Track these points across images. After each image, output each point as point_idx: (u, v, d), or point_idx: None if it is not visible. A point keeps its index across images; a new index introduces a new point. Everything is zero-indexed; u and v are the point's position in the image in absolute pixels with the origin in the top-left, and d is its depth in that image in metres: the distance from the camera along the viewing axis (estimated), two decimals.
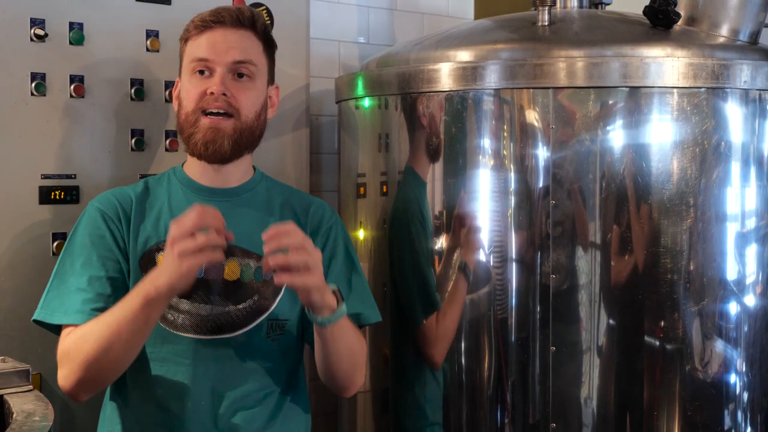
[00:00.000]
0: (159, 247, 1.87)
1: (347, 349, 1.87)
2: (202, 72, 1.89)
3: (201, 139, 1.87)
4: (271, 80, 2.00)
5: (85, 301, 1.79)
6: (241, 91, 1.89)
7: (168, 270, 1.65)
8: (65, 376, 1.76)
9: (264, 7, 2.49)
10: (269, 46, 1.97)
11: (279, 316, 1.91)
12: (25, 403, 1.61)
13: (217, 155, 1.89)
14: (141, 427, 1.88)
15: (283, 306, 1.92)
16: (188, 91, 1.89)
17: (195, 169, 1.95)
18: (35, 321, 1.84)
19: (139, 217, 1.89)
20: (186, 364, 1.86)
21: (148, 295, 1.67)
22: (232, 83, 1.88)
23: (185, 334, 1.85)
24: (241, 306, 1.88)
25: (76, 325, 1.78)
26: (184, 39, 1.94)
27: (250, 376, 1.89)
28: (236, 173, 1.96)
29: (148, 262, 1.86)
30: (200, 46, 1.89)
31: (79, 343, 1.74)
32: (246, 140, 1.91)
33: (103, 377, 1.79)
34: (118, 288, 1.84)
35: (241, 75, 1.90)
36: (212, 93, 1.86)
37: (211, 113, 1.87)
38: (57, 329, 1.83)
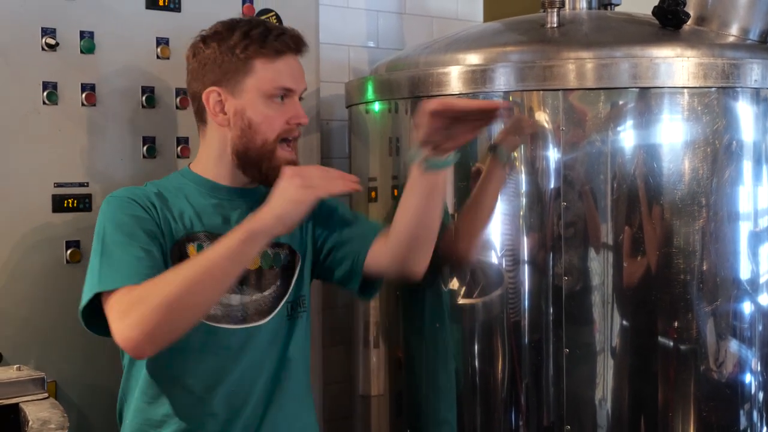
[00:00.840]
0: (189, 238, 1.87)
1: (437, 212, 1.90)
2: (281, 99, 1.89)
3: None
4: None
5: (149, 267, 1.73)
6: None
7: (282, 201, 1.68)
8: (132, 324, 1.64)
9: (273, 13, 2.49)
10: None
11: (299, 293, 1.98)
12: (40, 411, 1.63)
13: None
14: (172, 420, 1.87)
15: (298, 285, 1.98)
16: (269, 117, 1.87)
17: (216, 171, 1.94)
18: (84, 310, 1.74)
19: (163, 209, 1.87)
20: (218, 353, 1.87)
21: (252, 229, 1.67)
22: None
23: (218, 324, 1.86)
24: (266, 293, 1.92)
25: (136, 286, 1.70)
26: (245, 56, 1.87)
27: (280, 357, 1.93)
28: None
29: (179, 253, 1.85)
30: (282, 72, 1.88)
31: (158, 287, 1.66)
32: None
33: (179, 323, 1.68)
34: (161, 265, 1.78)
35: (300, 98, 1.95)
36: (300, 124, 1.90)
37: (285, 141, 1.89)
38: (101, 327, 1.74)
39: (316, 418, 2.09)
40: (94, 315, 1.75)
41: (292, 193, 1.68)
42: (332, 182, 1.72)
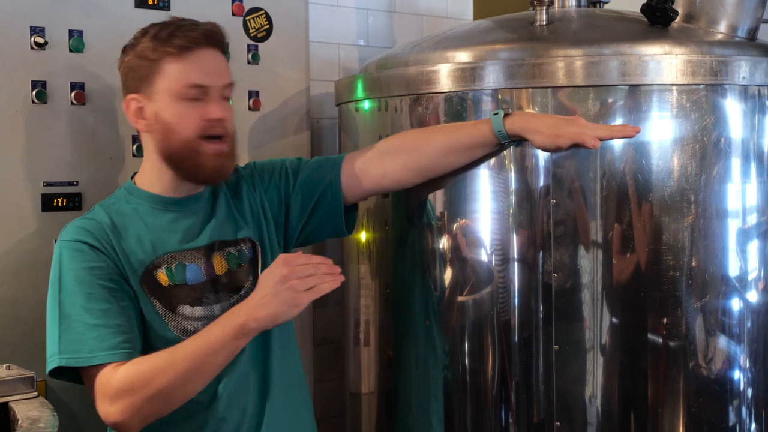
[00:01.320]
0: (155, 265, 1.86)
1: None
2: (195, 96, 1.85)
3: (212, 166, 1.87)
4: None
5: (107, 336, 1.74)
6: (229, 112, 1.90)
7: (277, 303, 1.68)
8: (123, 410, 1.71)
9: (263, 11, 2.50)
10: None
11: None
12: (30, 410, 1.62)
13: (223, 178, 1.93)
14: (165, 426, 1.87)
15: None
16: (182, 116, 1.84)
17: (163, 185, 1.92)
18: (54, 371, 1.78)
19: (120, 242, 1.85)
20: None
21: (245, 326, 1.70)
22: (224, 105, 1.89)
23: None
24: (242, 292, 1.93)
25: (119, 363, 1.74)
26: (155, 58, 1.85)
27: (268, 353, 1.94)
28: None
29: (151, 283, 1.85)
30: (192, 71, 1.84)
31: (149, 377, 1.70)
32: (236, 155, 1.96)
33: (170, 409, 1.76)
34: (131, 317, 1.81)
35: (226, 97, 1.91)
36: (218, 119, 1.85)
37: (210, 138, 1.86)
38: (74, 375, 1.79)
39: (312, 414, 2.10)
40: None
41: (289, 297, 1.68)
42: (324, 282, 1.69)
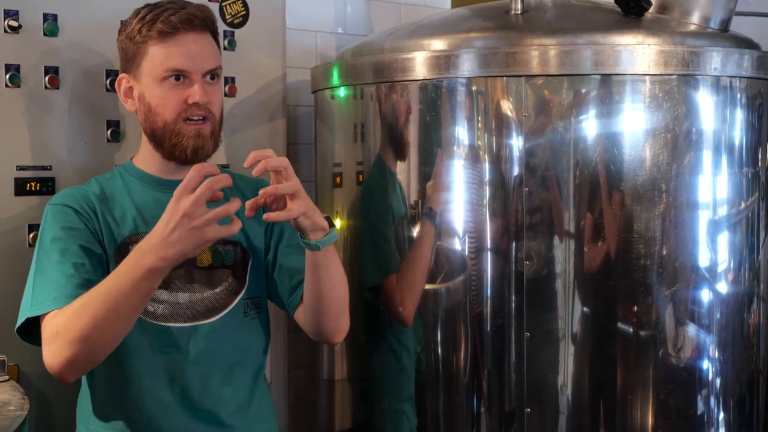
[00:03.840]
0: (131, 240, 1.88)
1: (339, 277, 1.89)
2: (177, 78, 1.88)
3: (190, 146, 1.89)
4: None
5: (75, 286, 1.76)
6: (214, 95, 1.92)
7: (183, 240, 1.61)
8: (53, 354, 1.71)
9: None
10: (218, 43, 1.98)
11: (253, 294, 1.98)
12: (0, 393, 1.61)
13: (203, 158, 1.92)
14: (124, 419, 1.89)
15: (254, 283, 1.98)
16: (164, 98, 1.88)
17: (153, 165, 1.96)
18: (22, 328, 1.79)
19: (104, 213, 1.90)
20: (168, 352, 1.88)
21: (153, 266, 1.63)
22: (207, 88, 1.90)
23: (166, 323, 1.88)
24: (217, 290, 1.93)
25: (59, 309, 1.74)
26: (141, 41, 1.89)
27: (232, 357, 1.94)
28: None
29: (123, 254, 1.85)
30: (173, 55, 1.86)
31: (71, 320, 1.69)
32: (220, 136, 1.97)
33: (95, 354, 1.73)
34: (101, 276, 1.80)
35: (212, 77, 1.92)
36: (196, 103, 1.87)
37: (191, 119, 1.88)
38: (38, 334, 1.79)
39: (274, 412, 2.10)
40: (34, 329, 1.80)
41: (195, 236, 1.61)
42: (221, 227, 1.64)
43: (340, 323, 1.96)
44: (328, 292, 1.89)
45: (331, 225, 1.81)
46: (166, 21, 1.86)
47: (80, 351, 1.69)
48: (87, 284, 1.76)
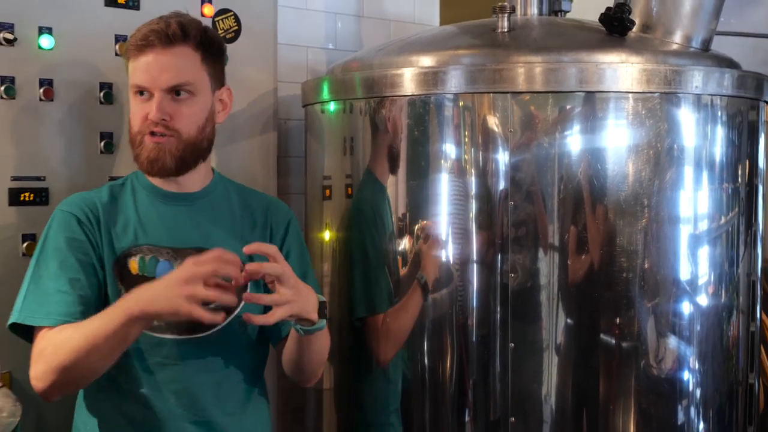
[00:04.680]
0: (131, 252, 1.92)
1: (318, 352, 1.97)
2: (142, 93, 1.92)
3: (146, 158, 1.92)
4: (218, 84, 2.01)
5: (68, 303, 1.81)
6: (179, 111, 1.91)
7: (165, 302, 1.66)
8: (38, 376, 1.77)
9: (232, 13, 2.53)
10: (210, 52, 1.97)
11: (250, 307, 1.97)
12: None
13: (162, 172, 1.94)
14: (123, 424, 1.91)
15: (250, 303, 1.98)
16: (133, 113, 1.94)
17: (149, 176, 1.99)
18: (12, 325, 1.85)
19: (108, 222, 1.93)
20: (165, 363, 1.91)
21: (132, 315, 1.69)
22: (170, 104, 1.91)
23: (162, 335, 1.90)
24: (212, 305, 1.92)
25: (51, 327, 1.79)
26: (126, 57, 1.95)
27: (225, 371, 1.97)
28: (195, 180, 2.01)
29: (121, 267, 1.90)
30: (137, 70, 1.91)
31: (55, 349, 1.75)
32: (191, 155, 1.95)
33: (75, 383, 1.82)
34: (97, 292, 1.87)
35: (179, 93, 1.92)
36: (153, 120, 1.90)
37: (153, 133, 1.91)
38: (30, 334, 1.84)
39: (270, 427, 2.12)
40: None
41: (177, 303, 1.66)
42: (198, 309, 1.67)
43: (312, 379, 2.08)
44: (305, 363, 1.98)
45: (322, 315, 1.85)
46: (135, 37, 1.92)
47: (61, 378, 1.76)
48: (80, 300, 1.82)
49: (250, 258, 1.97)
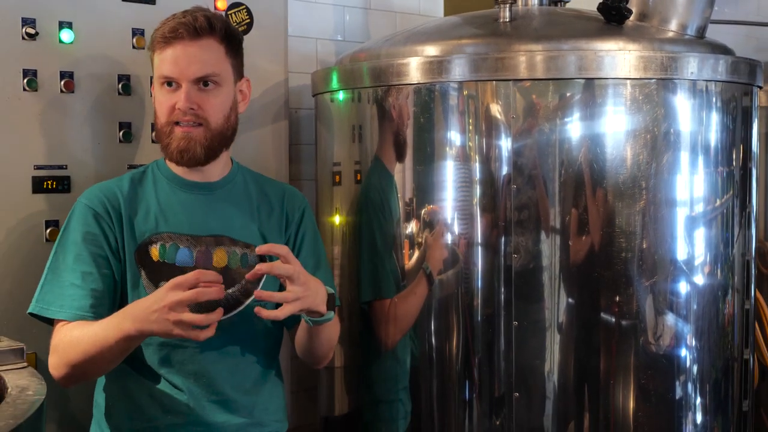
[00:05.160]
0: (152, 240, 1.99)
1: (327, 339, 2.06)
2: (170, 84, 1.98)
3: (176, 147, 1.99)
4: (239, 76, 2.08)
5: (80, 297, 1.90)
6: (207, 101, 1.99)
7: (157, 325, 1.75)
8: (54, 366, 1.90)
9: (244, 6, 2.60)
10: (233, 45, 2.04)
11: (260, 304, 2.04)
12: (19, 379, 1.65)
13: (192, 161, 2.01)
14: (144, 399, 1.99)
15: (266, 288, 2.02)
16: (160, 103, 2.00)
17: (175, 165, 2.06)
18: (30, 314, 1.95)
19: (129, 212, 2.00)
20: (182, 346, 1.98)
21: (129, 334, 1.79)
22: (198, 94, 1.97)
23: None
24: (230, 291, 1.98)
25: (66, 321, 1.90)
26: (152, 49, 2.01)
27: (242, 353, 2.04)
28: (216, 169, 2.09)
29: (143, 255, 1.98)
30: (164, 62, 1.97)
31: (66, 347, 1.87)
32: (218, 144, 2.03)
33: (87, 376, 1.94)
34: (109, 284, 1.96)
35: (207, 84, 1.99)
36: (181, 109, 1.96)
37: (180, 123, 1.98)
38: (50, 319, 1.94)
39: (285, 405, 2.19)
40: None
41: (165, 326, 1.75)
42: (188, 331, 1.76)
43: (323, 362, 2.17)
44: (315, 348, 2.07)
45: (331, 307, 1.94)
46: (162, 30, 1.98)
47: (74, 372, 1.88)
48: (91, 294, 1.91)
49: (264, 239, 2.06)
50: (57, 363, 1.89)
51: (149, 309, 1.76)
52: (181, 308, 1.73)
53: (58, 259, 1.96)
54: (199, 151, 1.99)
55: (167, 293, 1.74)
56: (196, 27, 1.96)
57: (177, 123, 1.98)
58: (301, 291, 1.84)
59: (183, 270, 1.96)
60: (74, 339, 1.86)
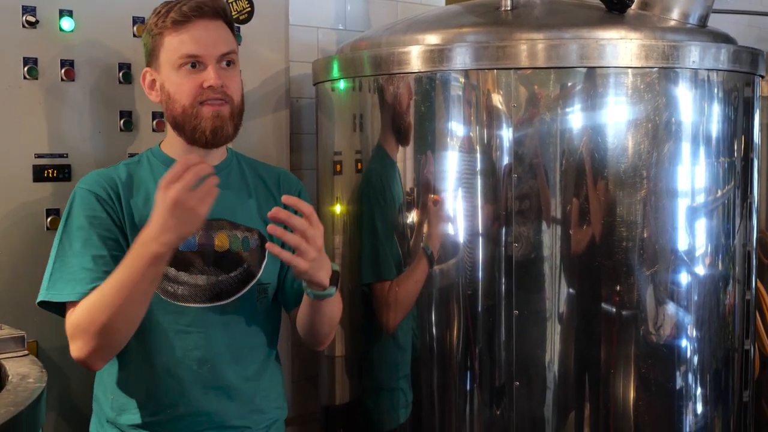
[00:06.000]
0: None
1: (329, 318, 2.04)
2: (193, 65, 1.97)
3: (209, 127, 1.97)
4: None
5: (93, 279, 1.87)
6: (231, 79, 2.00)
7: (181, 223, 1.74)
8: (80, 347, 1.85)
9: None
10: (233, 31, 2.07)
11: (263, 281, 2.06)
12: (20, 367, 1.66)
13: (223, 140, 2.01)
14: (143, 392, 2.00)
15: (268, 271, 2.07)
16: (180, 85, 1.97)
17: (178, 150, 2.05)
18: (40, 303, 1.92)
19: (128, 197, 1.99)
20: (189, 331, 1.98)
21: (157, 252, 1.75)
22: (222, 73, 1.98)
23: (186, 304, 1.98)
24: (232, 274, 2.02)
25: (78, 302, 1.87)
26: (157, 33, 1.99)
27: (245, 337, 2.05)
28: (217, 153, 2.09)
29: None
30: (185, 42, 1.96)
31: (90, 314, 1.82)
32: (240, 121, 2.05)
33: (117, 341, 1.87)
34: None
35: (228, 63, 2.00)
36: (211, 86, 1.95)
37: (208, 102, 1.97)
38: (60, 309, 1.91)
39: (284, 392, 2.19)
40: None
41: (190, 215, 1.74)
42: (206, 200, 1.76)
43: (324, 342, 2.14)
44: (317, 325, 2.04)
45: (334, 282, 1.92)
46: (178, 11, 1.96)
47: (102, 341, 1.83)
48: (104, 276, 1.87)
49: (264, 223, 2.04)
50: (83, 340, 1.83)
51: (160, 220, 1.74)
52: (189, 193, 1.72)
53: (64, 246, 1.93)
54: (229, 127, 2.00)
55: (164, 194, 1.73)
56: (215, 8, 1.99)
57: (201, 103, 1.97)
58: (315, 253, 1.83)
59: (185, 254, 1.97)
60: (95, 300, 1.82)
